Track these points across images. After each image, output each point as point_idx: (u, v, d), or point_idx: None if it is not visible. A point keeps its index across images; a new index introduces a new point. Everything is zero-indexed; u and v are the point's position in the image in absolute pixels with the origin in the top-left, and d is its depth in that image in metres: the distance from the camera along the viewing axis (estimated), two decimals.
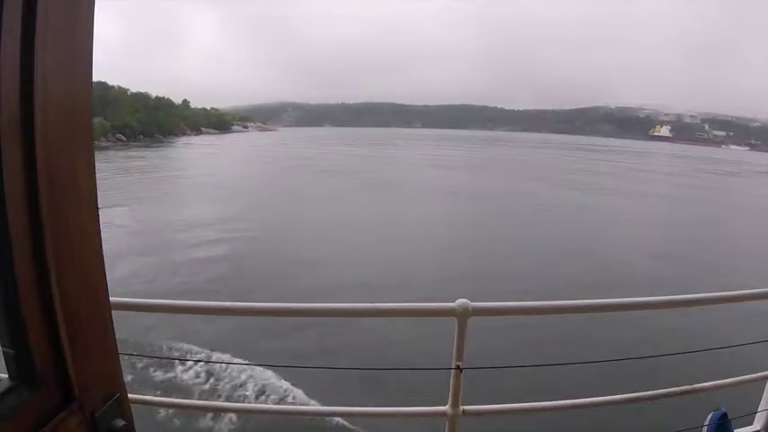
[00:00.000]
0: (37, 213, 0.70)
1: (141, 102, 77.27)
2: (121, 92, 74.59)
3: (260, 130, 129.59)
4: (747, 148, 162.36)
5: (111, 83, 73.22)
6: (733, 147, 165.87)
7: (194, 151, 57.41)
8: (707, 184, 39.09)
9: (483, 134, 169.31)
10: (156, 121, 75.31)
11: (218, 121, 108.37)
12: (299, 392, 6.86)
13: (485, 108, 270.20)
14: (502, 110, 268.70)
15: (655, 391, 1.91)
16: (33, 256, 0.71)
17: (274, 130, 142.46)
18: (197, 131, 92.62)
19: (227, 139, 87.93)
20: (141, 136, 68.42)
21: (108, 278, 0.86)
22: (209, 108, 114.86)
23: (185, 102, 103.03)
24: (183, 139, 76.43)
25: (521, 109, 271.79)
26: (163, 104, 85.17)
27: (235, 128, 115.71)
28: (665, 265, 14.05)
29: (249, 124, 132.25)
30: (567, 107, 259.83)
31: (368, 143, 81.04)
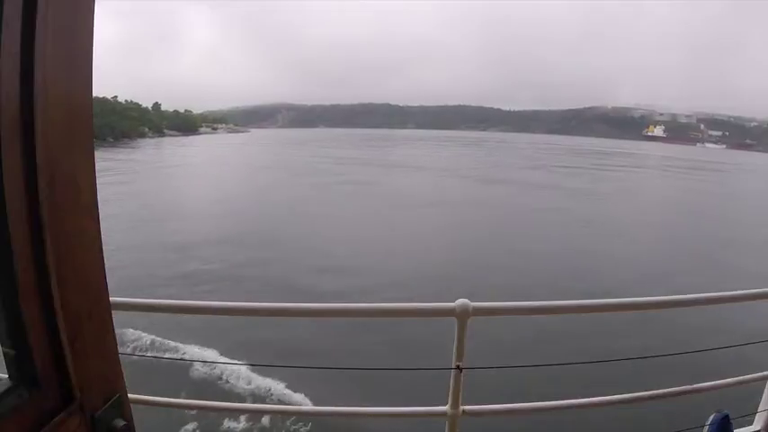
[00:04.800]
0: (37, 213, 0.70)
1: (99, 105, 77.37)
2: None
3: (230, 132, 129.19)
4: (724, 146, 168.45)
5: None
6: (708, 145, 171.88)
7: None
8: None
9: (472, 135, 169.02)
10: (109, 125, 75.23)
11: (184, 124, 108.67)
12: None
13: (480, 109, 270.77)
14: (498, 110, 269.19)
15: (655, 391, 1.91)
16: (33, 256, 0.71)
17: (246, 132, 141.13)
18: (160, 134, 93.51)
19: (185, 141, 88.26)
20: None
21: None
22: (182, 110, 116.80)
23: (156, 104, 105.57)
24: (139, 142, 77.27)
25: (517, 110, 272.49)
26: (121, 107, 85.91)
27: (203, 129, 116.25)
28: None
29: (220, 126, 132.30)
30: (564, 107, 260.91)
31: (334, 146, 79.36)
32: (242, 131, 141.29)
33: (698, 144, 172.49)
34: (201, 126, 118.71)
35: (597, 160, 63.31)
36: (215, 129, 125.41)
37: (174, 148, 68.01)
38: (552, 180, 37.69)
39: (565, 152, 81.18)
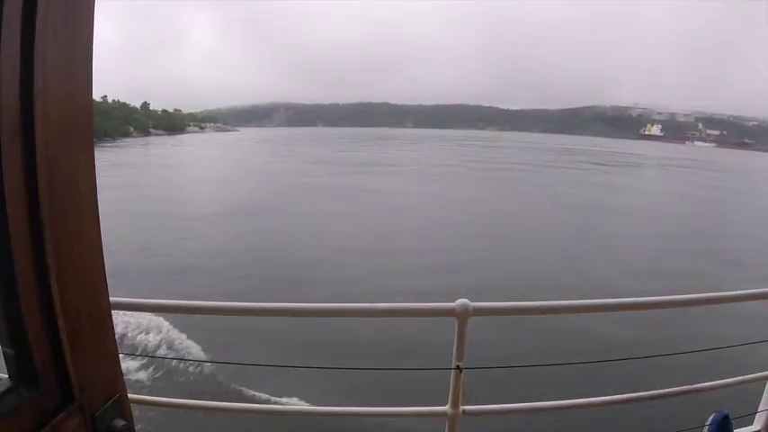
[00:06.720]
0: (37, 214, 0.70)
1: None
2: None
3: (218, 131, 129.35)
4: (714, 144, 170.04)
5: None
6: (698, 143, 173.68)
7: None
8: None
9: (467, 134, 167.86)
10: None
11: (170, 123, 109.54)
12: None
13: (479, 108, 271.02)
14: (496, 109, 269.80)
15: (655, 391, 1.90)
16: (33, 256, 0.71)
17: (235, 131, 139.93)
18: (145, 133, 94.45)
19: (170, 140, 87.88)
20: None
21: None
22: (171, 110, 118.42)
23: (144, 104, 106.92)
24: (122, 141, 76.60)
25: (515, 109, 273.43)
26: (107, 107, 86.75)
27: (190, 129, 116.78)
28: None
29: (208, 125, 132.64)
30: (563, 106, 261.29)
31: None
32: (231, 130, 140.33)
33: (687, 143, 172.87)
34: (189, 125, 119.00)
35: (572, 160, 60.99)
36: (202, 128, 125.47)
37: (149, 148, 67.47)
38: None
39: (536, 152, 78.81)
